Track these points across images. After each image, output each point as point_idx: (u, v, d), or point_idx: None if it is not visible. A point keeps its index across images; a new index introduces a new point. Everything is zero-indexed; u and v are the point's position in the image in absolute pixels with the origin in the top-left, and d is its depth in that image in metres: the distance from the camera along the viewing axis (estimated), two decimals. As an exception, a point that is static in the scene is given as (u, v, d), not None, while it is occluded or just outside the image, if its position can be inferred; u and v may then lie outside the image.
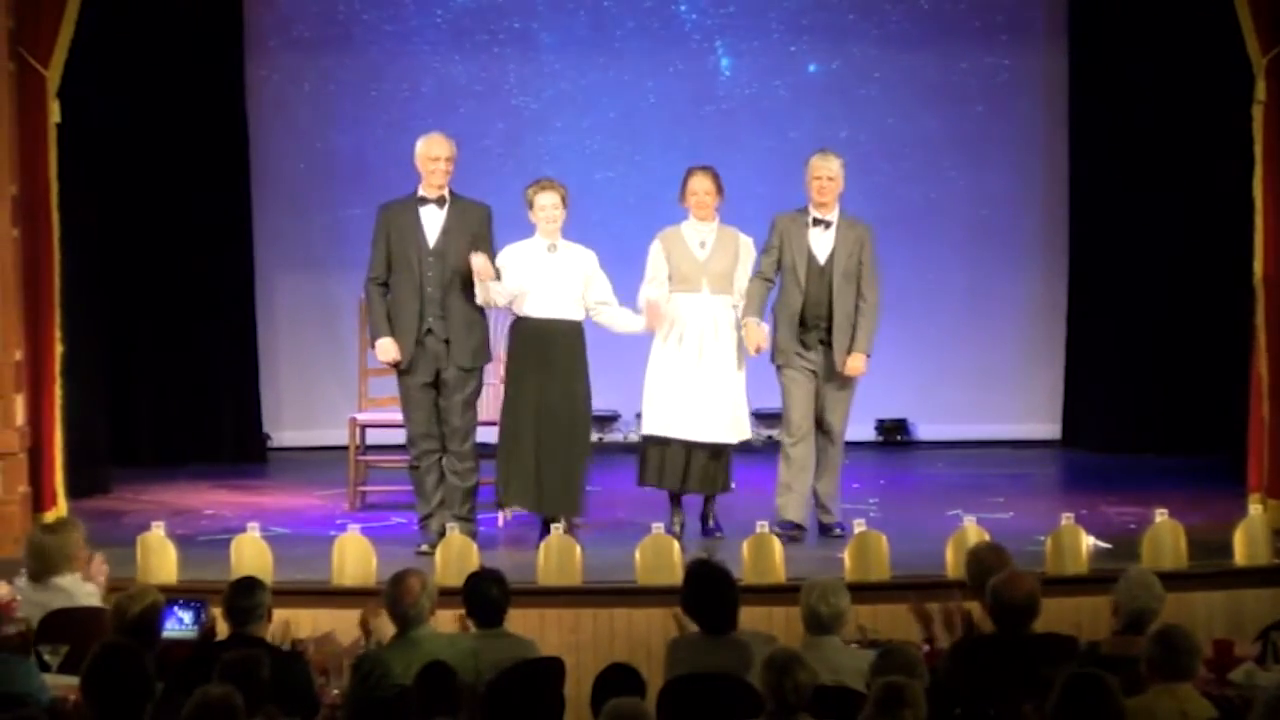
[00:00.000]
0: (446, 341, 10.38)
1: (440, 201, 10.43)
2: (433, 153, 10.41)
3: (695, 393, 10.42)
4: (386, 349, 10.44)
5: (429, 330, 10.39)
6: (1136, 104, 13.16)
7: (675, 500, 10.63)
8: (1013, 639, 7.26)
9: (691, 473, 10.48)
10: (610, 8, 13.52)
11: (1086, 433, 13.45)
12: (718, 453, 10.54)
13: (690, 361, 10.43)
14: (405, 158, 10.63)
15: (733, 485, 10.71)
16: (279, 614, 7.99)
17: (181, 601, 8.24)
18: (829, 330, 10.52)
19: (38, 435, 10.57)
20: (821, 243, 10.55)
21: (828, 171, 10.49)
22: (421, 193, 10.45)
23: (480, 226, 10.42)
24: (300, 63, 13.50)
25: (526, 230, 10.47)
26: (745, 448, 10.88)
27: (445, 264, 10.36)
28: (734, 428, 10.55)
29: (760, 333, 10.48)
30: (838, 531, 10.37)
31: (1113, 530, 10.46)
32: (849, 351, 10.49)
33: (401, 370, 10.46)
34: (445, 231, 10.39)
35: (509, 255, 10.42)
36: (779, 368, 10.62)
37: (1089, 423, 13.46)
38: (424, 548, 10.20)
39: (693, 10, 13.57)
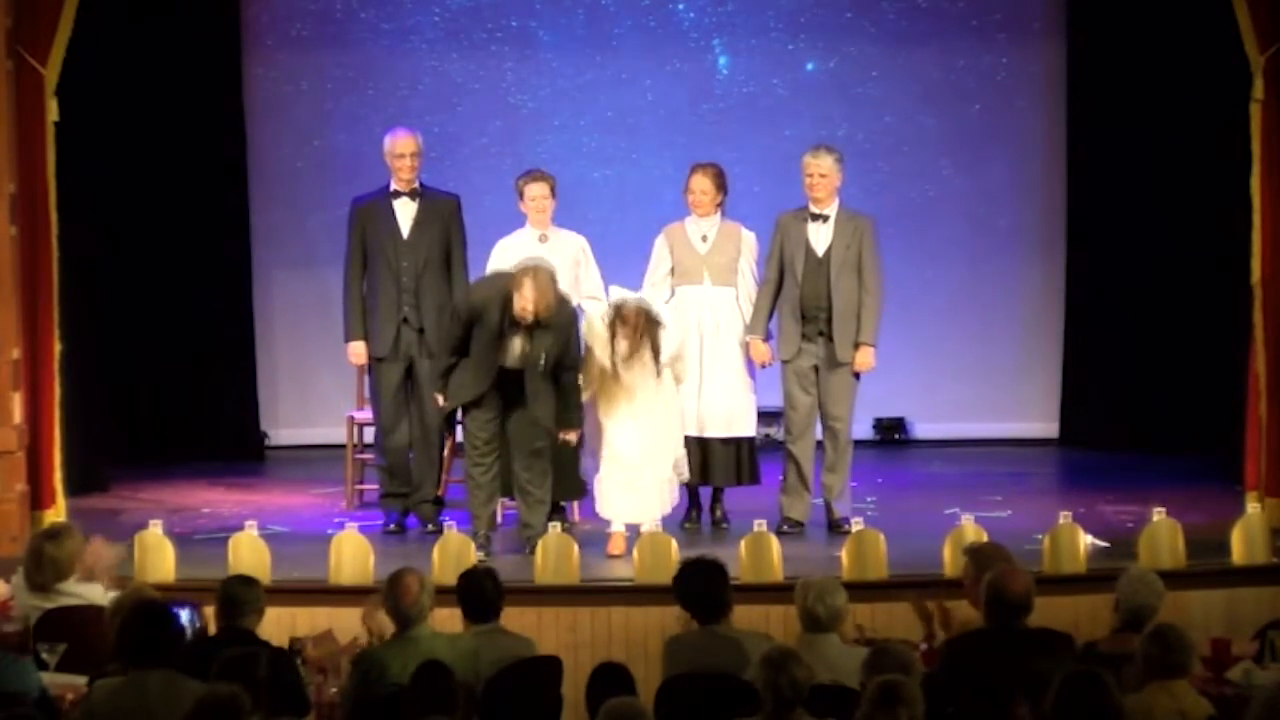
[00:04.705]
0: (420, 331, 10.68)
1: (412, 194, 10.77)
2: (399, 149, 10.77)
3: (698, 388, 10.51)
4: (359, 352, 10.84)
5: (404, 319, 10.71)
6: (1134, 102, 13.16)
7: (692, 493, 10.76)
8: (1007, 634, 7.26)
9: (708, 465, 10.53)
10: (608, 6, 13.51)
11: (1084, 431, 13.44)
12: (730, 445, 10.60)
13: (692, 357, 10.52)
14: (402, 156, 10.81)
15: (759, 478, 10.78)
16: (276, 612, 8.00)
17: (176, 600, 8.23)
18: (829, 322, 10.58)
19: (36, 433, 10.57)
20: (819, 236, 10.64)
21: (818, 169, 10.60)
22: (394, 187, 10.80)
23: (450, 217, 10.77)
24: (298, 61, 13.49)
25: (520, 223, 10.75)
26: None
27: (418, 254, 10.72)
28: (734, 422, 10.61)
29: (764, 350, 10.64)
30: (847, 527, 10.26)
31: (1111, 529, 10.46)
32: (855, 345, 10.54)
33: (378, 359, 10.76)
34: (418, 223, 10.75)
35: (503, 249, 10.64)
36: (784, 363, 10.71)
37: (1087, 421, 13.45)
38: (391, 527, 10.79)
39: (690, 8, 13.56)
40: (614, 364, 10.06)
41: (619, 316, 10.06)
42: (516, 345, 10.00)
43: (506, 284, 9.94)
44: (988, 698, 6.80)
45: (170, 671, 6.57)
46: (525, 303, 9.83)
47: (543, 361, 9.99)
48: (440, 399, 10.30)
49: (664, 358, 10.16)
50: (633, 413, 10.15)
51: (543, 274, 9.91)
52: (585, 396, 10.23)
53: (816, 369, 10.65)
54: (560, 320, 10.01)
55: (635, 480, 10.14)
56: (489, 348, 10.03)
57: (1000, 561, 7.76)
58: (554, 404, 10.12)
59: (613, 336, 10.07)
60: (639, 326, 10.03)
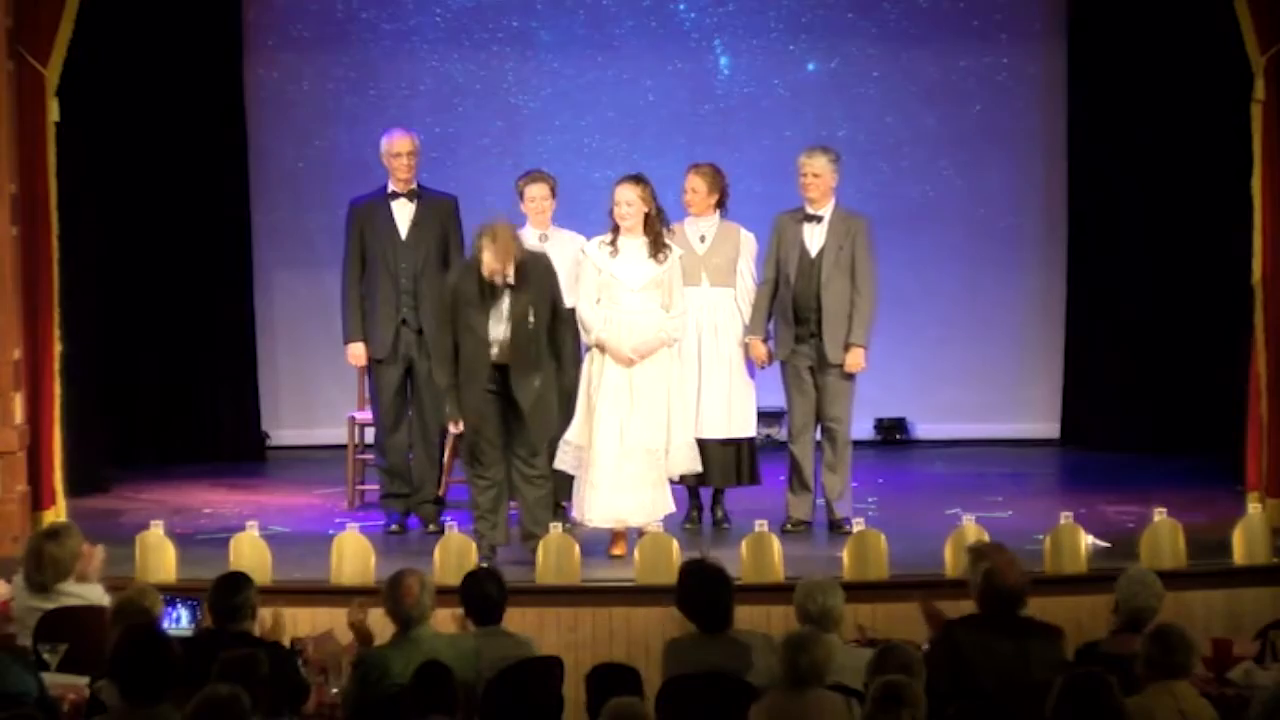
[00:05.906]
0: (419, 332, 10.68)
1: (410, 195, 10.80)
2: (395, 148, 10.81)
3: (696, 390, 10.50)
4: (358, 354, 10.85)
5: (403, 320, 10.74)
6: (1135, 103, 13.16)
7: (692, 494, 10.75)
8: (1001, 620, 7.28)
9: (706, 465, 10.53)
10: (609, 6, 13.51)
11: (1085, 431, 13.44)
12: (729, 446, 10.59)
13: (691, 358, 10.51)
14: (403, 156, 10.85)
15: (759, 478, 10.78)
16: (276, 612, 8.00)
17: (178, 600, 8.24)
18: (819, 323, 10.57)
19: (36, 434, 10.57)
20: (813, 237, 10.66)
21: (811, 169, 10.63)
22: (391, 188, 10.83)
23: (448, 218, 10.82)
24: (299, 61, 13.50)
25: (520, 224, 10.62)
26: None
27: (417, 255, 10.75)
28: (733, 423, 10.61)
29: (763, 350, 10.64)
30: (847, 528, 10.25)
31: (1111, 529, 10.46)
32: (845, 346, 10.54)
33: (377, 360, 10.78)
34: (416, 224, 10.78)
35: None
36: (781, 364, 10.73)
37: (1088, 421, 13.46)
38: (393, 527, 10.80)
39: (691, 9, 13.56)
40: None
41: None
42: (503, 308, 9.82)
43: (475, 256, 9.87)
44: (989, 697, 6.82)
45: (170, 707, 6.51)
46: (492, 265, 9.71)
47: (532, 317, 9.86)
48: (455, 425, 9.96)
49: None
50: (619, 410, 10.10)
51: (501, 231, 9.77)
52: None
53: (812, 370, 10.66)
54: (536, 271, 9.90)
55: (616, 479, 10.07)
56: (477, 338, 9.84)
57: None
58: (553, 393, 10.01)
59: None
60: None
